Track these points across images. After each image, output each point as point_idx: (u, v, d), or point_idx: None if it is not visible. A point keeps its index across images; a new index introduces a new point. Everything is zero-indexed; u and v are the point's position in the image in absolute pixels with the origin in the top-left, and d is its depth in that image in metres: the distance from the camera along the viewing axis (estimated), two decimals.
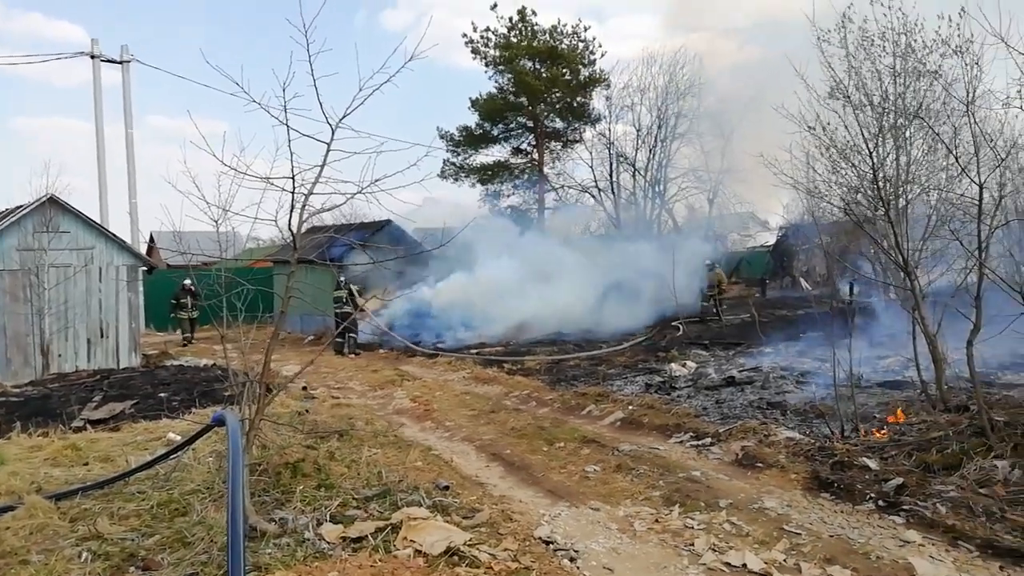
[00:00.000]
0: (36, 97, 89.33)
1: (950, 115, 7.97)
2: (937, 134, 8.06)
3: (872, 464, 6.50)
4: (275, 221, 6.17)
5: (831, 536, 5.34)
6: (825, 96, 8.62)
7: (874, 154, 8.05)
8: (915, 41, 8.36)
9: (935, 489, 5.91)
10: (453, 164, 32.50)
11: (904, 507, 5.69)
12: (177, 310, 20.33)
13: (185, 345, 19.72)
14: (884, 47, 8.44)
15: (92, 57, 21.04)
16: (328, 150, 5.70)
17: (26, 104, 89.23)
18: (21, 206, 14.19)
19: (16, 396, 11.86)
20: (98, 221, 16.14)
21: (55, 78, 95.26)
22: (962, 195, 7.83)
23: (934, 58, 8.33)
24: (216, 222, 6.32)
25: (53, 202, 14.02)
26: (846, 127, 8.55)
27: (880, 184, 7.94)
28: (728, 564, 4.92)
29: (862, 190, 8.63)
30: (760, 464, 6.99)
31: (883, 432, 7.43)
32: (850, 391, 7.69)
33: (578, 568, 4.92)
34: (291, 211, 5.84)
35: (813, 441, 7.40)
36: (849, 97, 8.36)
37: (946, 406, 7.71)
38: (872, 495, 5.96)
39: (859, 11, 8.57)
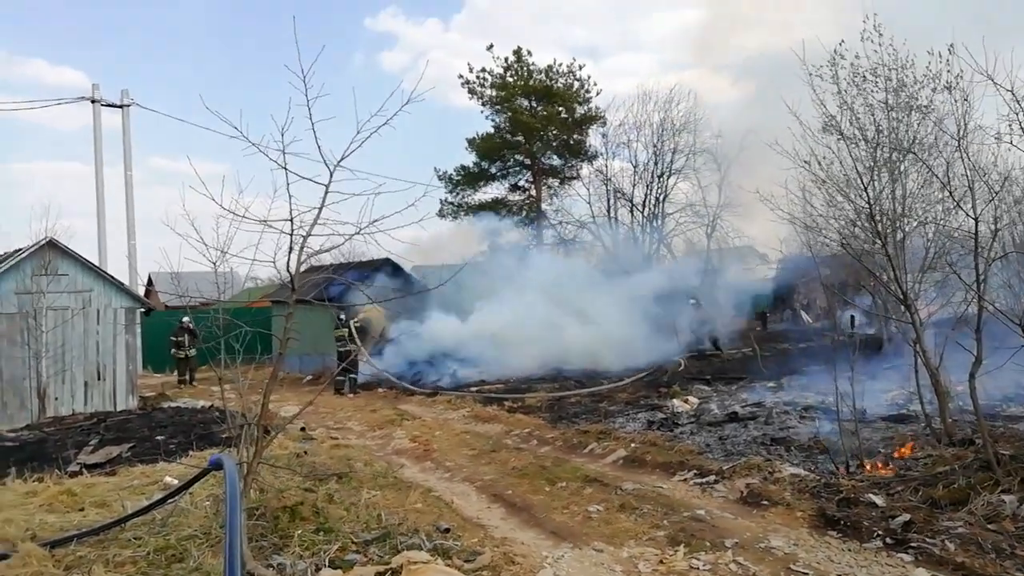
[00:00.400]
0: (37, 141, 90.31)
1: (942, 149, 8.04)
2: (931, 168, 8.13)
3: (878, 500, 6.40)
4: (274, 262, 6.18)
5: (839, 575, 5.24)
6: (819, 131, 8.71)
7: (869, 188, 8.11)
8: (907, 76, 8.49)
9: (943, 525, 5.81)
10: (451, 203, 32.74)
11: (912, 544, 5.59)
12: (175, 348, 20.11)
13: (182, 385, 19.49)
14: (876, 82, 8.56)
15: (93, 102, 21.33)
16: (327, 192, 5.74)
17: (27, 148, 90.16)
18: (20, 249, 14.22)
19: (11, 440, 11.72)
20: (97, 263, 16.20)
21: (56, 122, 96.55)
22: (959, 228, 7.87)
23: (925, 93, 8.45)
24: (215, 263, 6.33)
25: (52, 245, 14.05)
26: (840, 162, 8.63)
27: (877, 218, 7.98)
28: None
29: (859, 224, 8.66)
30: (765, 502, 6.89)
31: (889, 467, 7.35)
32: (854, 426, 7.62)
33: None
34: (289, 252, 5.85)
35: (818, 477, 7.30)
36: (842, 132, 8.44)
37: (951, 440, 7.63)
38: (879, 532, 5.85)
39: (850, 47, 8.72)
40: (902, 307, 7.94)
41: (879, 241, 7.89)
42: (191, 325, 18.63)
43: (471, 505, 7.61)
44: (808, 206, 9.36)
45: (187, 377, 19.99)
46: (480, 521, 6.96)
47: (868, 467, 7.38)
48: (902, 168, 8.48)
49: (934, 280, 8.63)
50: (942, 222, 8.51)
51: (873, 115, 8.46)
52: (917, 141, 8.34)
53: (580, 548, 6.03)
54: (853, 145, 8.37)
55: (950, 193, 7.55)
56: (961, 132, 7.18)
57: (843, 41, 8.60)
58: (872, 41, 8.64)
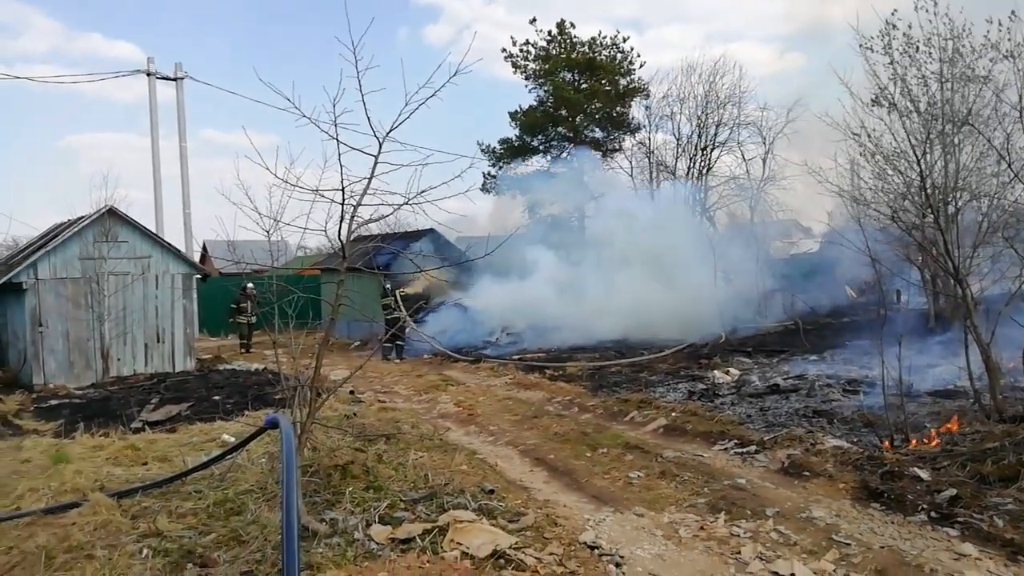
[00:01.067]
0: (95, 113, 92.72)
1: (1001, 120, 7.82)
2: (988, 140, 7.92)
3: (924, 474, 6.38)
4: (324, 231, 6.38)
5: (882, 547, 5.26)
6: (869, 103, 8.53)
7: (922, 161, 7.94)
8: (963, 46, 8.24)
9: (991, 501, 5.77)
10: (494, 176, 32.72)
11: (959, 519, 5.56)
12: (236, 315, 20.20)
13: (243, 350, 19.72)
14: (930, 53, 8.33)
15: (148, 75, 21.81)
16: (376, 162, 5.87)
17: (86, 120, 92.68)
18: (82, 217, 14.80)
19: (79, 398, 12.37)
20: (154, 231, 16.72)
21: (113, 95, 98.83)
22: (1015, 201, 7.67)
23: (983, 63, 8.20)
24: (268, 232, 6.55)
25: (112, 213, 14.59)
26: (892, 134, 8.47)
27: (928, 191, 7.82)
28: (776, 573, 4.90)
29: (909, 197, 8.50)
30: (807, 473, 6.92)
31: (935, 442, 7.29)
32: (899, 400, 7.57)
33: (623, 574, 4.95)
34: (340, 221, 6.01)
35: (862, 450, 7.28)
36: (895, 103, 8.26)
37: (1001, 416, 7.53)
38: (924, 506, 5.84)
39: (904, 17, 8.49)
40: (953, 281, 7.80)
41: (931, 214, 7.75)
42: (254, 292, 18.58)
43: (514, 468, 7.81)
44: (857, 179, 9.20)
45: (249, 341, 20.15)
46: (523, 484, 7.15)
47: (913, 441, 7.33)
48: (956, 140, 8.26)
49: (987, 254, 8.43)
50: (998, 195, 8.29)
51: (927, 86, 8.25)
52: (973, 113, 8.11)
53: (621, 512, 6.17)
54: (905, 117, 8.18)
55: (1008, 165, 7.36)
56: (1023, 102, 6.97)
57: (896, 11, 8.36)
58: (926, 10, 8.40)
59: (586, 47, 30.87)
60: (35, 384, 13.47)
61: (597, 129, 32.25)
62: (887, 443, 7.38)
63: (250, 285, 18.25)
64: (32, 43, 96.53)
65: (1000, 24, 7.43)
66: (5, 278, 13.71)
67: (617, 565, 5.06)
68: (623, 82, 31.11)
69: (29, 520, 5.75)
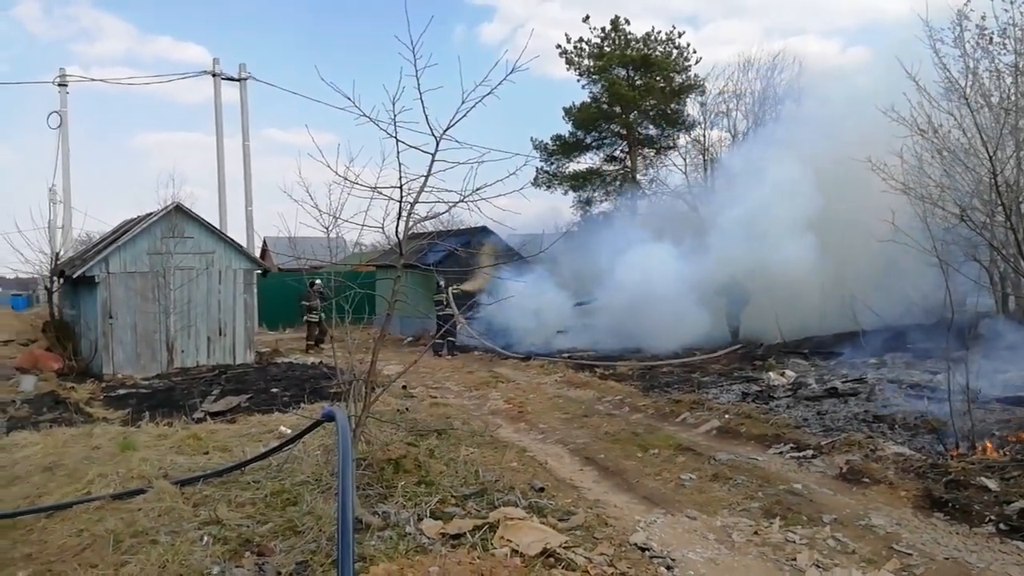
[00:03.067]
0: (164, 113, 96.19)
1: None
2: None
3: (992, 484, 6.12)
4: (382, 228, 6.48)
5: (946, 559, 5.08)
6: (937, 98, 8.22)
7: (993, 157, 7.61)
8: None
9: None
10: (546, 172, 32.68)
11: None
12: (308, 312, 19.51)
13: (310, 350, 18.87)
14: (1005, 44, 7.97)
15: (213, 75, 22.53)
16: (433, 160, 5.92)
17: (155, 120, 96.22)
18: (151, 214, 15.38)
19: (145, 388, 12.86)
20: (218, 227, 17.25)
21: (181, 96, 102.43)
22: None
23: None
24: (327, 228, 6.70)
25: (179, 210, 15.13)
26: (962, 129, 8.13)
27: (1000, 188, 7.49)
28: None
29: (979, 195, 8.15)
30: (866, 479, 6.72)
31: (1004, 451, 7.00)
32: (966, 406, 7.28)
33: None
34: (398, 218, 6.09)
35: (924, 457, 7.03)
36: (966, 98, 7.94)
37: None
38: (992, 517, 5.61)
39: (977, 7, 8.14)
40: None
41: (1002, 213, 7.42)
42: (323, 289, 17.88)
43: (564, 467, 7.80)
44: (924, 176, 8.87)
45: (315, 341, 19.34)
46: (573, 482, 7.13)
47: (980, 449, 7.05)
48: None
49: None
50: None
51: (1000, 79, 7.90)
52: None
53: (672, 514, 6.10)
54: (976, 112, 7.85)
55: None
56: None
57: (967, 1, 8.02)
58: None
59: (640, 43, 30.56)
60: (104, 373, 14.06)
61: (651, 126, 31.89)
62: (953, 451, 7.11)
63: (318, 281, 17.93)
64: (107, 47, 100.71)
65: None
66: (80, 271, 14.37)
67: (668, 568, 5.00)
68: (678, 79, 30.68)
69: (98, 505, 5.98)
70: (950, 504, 5.94)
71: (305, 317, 19.92)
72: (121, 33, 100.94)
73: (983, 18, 8.02)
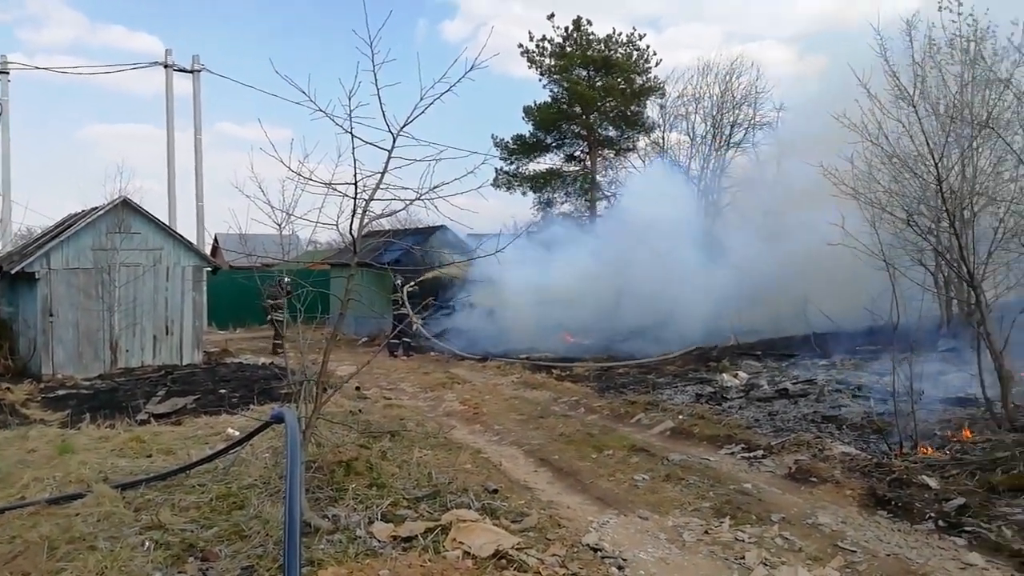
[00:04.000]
0: (113, 104, 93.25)
1: (1023, 124, 7.69)
2: (1009, 145, 7.80)
3: (932, 483, 6.30)
4: (336, 225, 6.34)
5: (888, 555, 5.21)
6: (888, 104, 8.43)
7: (939, 164, 7.84)
8: (985, 48, 8.12)
9: (1000, 511, 5.70)
10: (506, 172, 32.69)
11: (966, 529, 5.49)
12: (273, 311, 17.41)
13: (281, 350, 17.91)
14: (952, 54, 8.21)
15: (165, 67, 21.96)
16: (389, 157, 5.81)
17: (104, 111, 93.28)
18: (96, 208, 14.87)
19: (86, 389, 12.44)
20: (167, 223, 16.78)
21: (132, 87, 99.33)
22: None
23: (1005, 66, 8.08)
24: (280, 225, 6.54)
25: (126, 204, 14.65)
26: (911, 137, 8.34)
27: (945, 194, 7.72)
28: None
29: (925, 201, 8.38)
30: (814, 479, 6.85)
31: (944, 450, 7.20)
32: (910, 407, 7.47)
33: None
34: (352, 216, 5.97)
35: (870, 457, 7.21)
36: (915, 105, 8.16)
37: (1012, 425, 7.43)
38: (932, 515, 5.77)
39: (925, 18, 8.38)
40: (967, 288, 7.70)
41: (947, 219, 7.64)
42: (290, 287, 15.90)
43: (519, 468, 7.78)
44: (873, 182, 9.08)
45: (282, 341, 17.75)
46: (527, 484, 7.12)
47: (922, 449, 7.24)
48: (975, 144, 8.15)
49: (1003, 261, 8.31)
50: (1015, 201, 8.17)
51: (947, 88, 8.14)
52: (993, 116, 7.99)
53: (625, 515, 6.13)
54: (925, 119, 8.07)
55: None
56: None
57: (916, 12, 8.26)
58: (950, 11, 8.28)
59: (602, 44, 30.80)
60: (43, 374, 13.54)
61: (611, 127, 32.16)
62: (896, 450, 7.29)
63: (286, 279, 17.19)
64: (55, 34, 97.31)
65: None
66: (19, 267, 13.80)
67: (620, 568, 5.02)
68: (638, 80, 31.02)
69: (33, 510, 5.75)
70: (893, 502, 6.09)
71: (271, 316, 18.64)
72: (70, 21, 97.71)
73: (931, 28, 8.27)
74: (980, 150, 8.31)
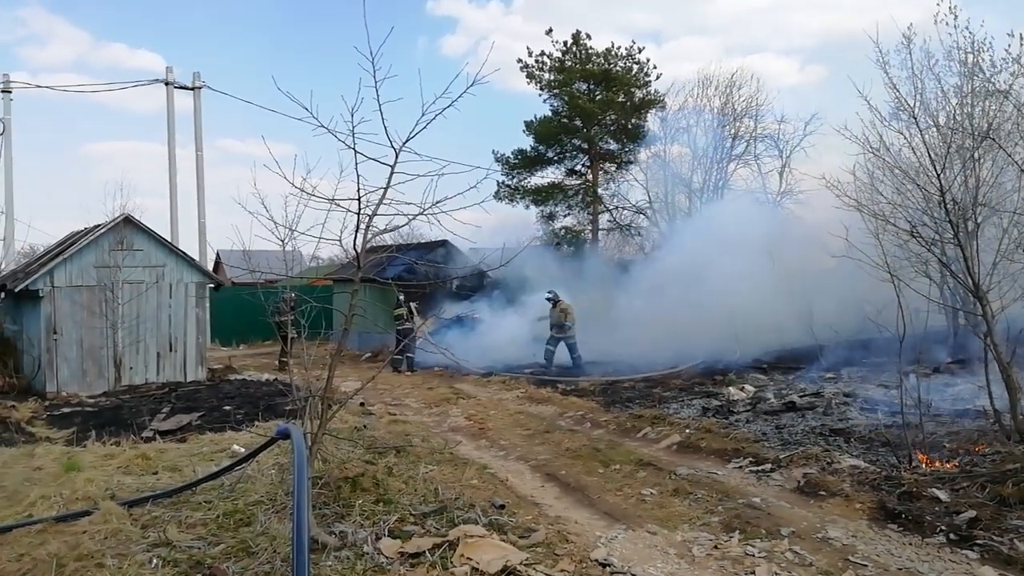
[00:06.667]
0: (115, 122, 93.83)
1: (1023, 135, 7.72)
2: (1009, 155, 7.81)
3: (942, 495, 6.26)
4: (339, 241, 6.37)
5: (900, 569, 5.17)
6: (889, 116, 8.47)
7: (942, 175, 7.85)
8: (983, 60, 8.17)
9: (1011, 524, 5.66)
10: (508, 186, 32.75)
11: (978, 541, 5.46)
12: (281, 328, 18.19)
13: (285, 369, 18.47)
14: (950, 67, 8.27)
15: (166, 84, 22.02)
16: (392, 172, 5.85)
17: (106, 128, 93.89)
18: (99, 225, 14.89)
19: (91, 406, 12.42)
20: (169, 240, 16.80)
21: (133, 104, 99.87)
22: None
23: (1004, 77, 8.12)
24: (283, 241, 6.57)
25: (128, 222, 14.69)
26: (912, 148, 8.37)
27: (948, 206, 7.72)
28: None
29: (929, 212, 8.39)
30: (823, 492, 6.81)
31: (954, 463, 7.16)
32: (918, 419, 7.44)
33: None
34: (356, 231, 6.00)
35: (879, 470, 7.16)
36: (915, 117, 8.19)
37: (1022, 437, 7.38)
38: (943, 528, 5.73)
39: (921, 31, 8.44)
40: (973, 299, 7.68)
41: (950, 230, 7.64)
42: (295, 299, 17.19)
43: (525, 483, 7.74)
44: (876, 193, 9.10)
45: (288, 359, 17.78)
46: (534, 499, 7.07)
47: (932, 462, 7.20)
48: (976, 155, 8.16)
49: (1009, 271, 8.30)
50: (1018, 211, 8.17)
51: (947, 100, 8.19)
52: (994, 127, 8.01)
53: (633, 530, 6.08)
54: (925, 131, 8.10)
55: None
56: None
57: (911, 25, 8.31)
58: (947, 23, 8.34)
59: (601, 58, 30.93)
60: (48, 391, 13.52)
61: (612, 140, 32.25)
62: (905, 463, 7.24)
63: (293, 294, 17.21)
64: (58, 52, 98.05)
65: (1022, 38, 7.37)
66: (22, 285, 13.82)
67: None
68: (639, 94, 31.12)
69: (41, 528, 5.74)
70: (903, 515, 6.05)
71: (283, 332, 18.97)
72: (73, 39, 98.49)
73: (926, 41, 8.33)
74: (982, 161, 8.32)
